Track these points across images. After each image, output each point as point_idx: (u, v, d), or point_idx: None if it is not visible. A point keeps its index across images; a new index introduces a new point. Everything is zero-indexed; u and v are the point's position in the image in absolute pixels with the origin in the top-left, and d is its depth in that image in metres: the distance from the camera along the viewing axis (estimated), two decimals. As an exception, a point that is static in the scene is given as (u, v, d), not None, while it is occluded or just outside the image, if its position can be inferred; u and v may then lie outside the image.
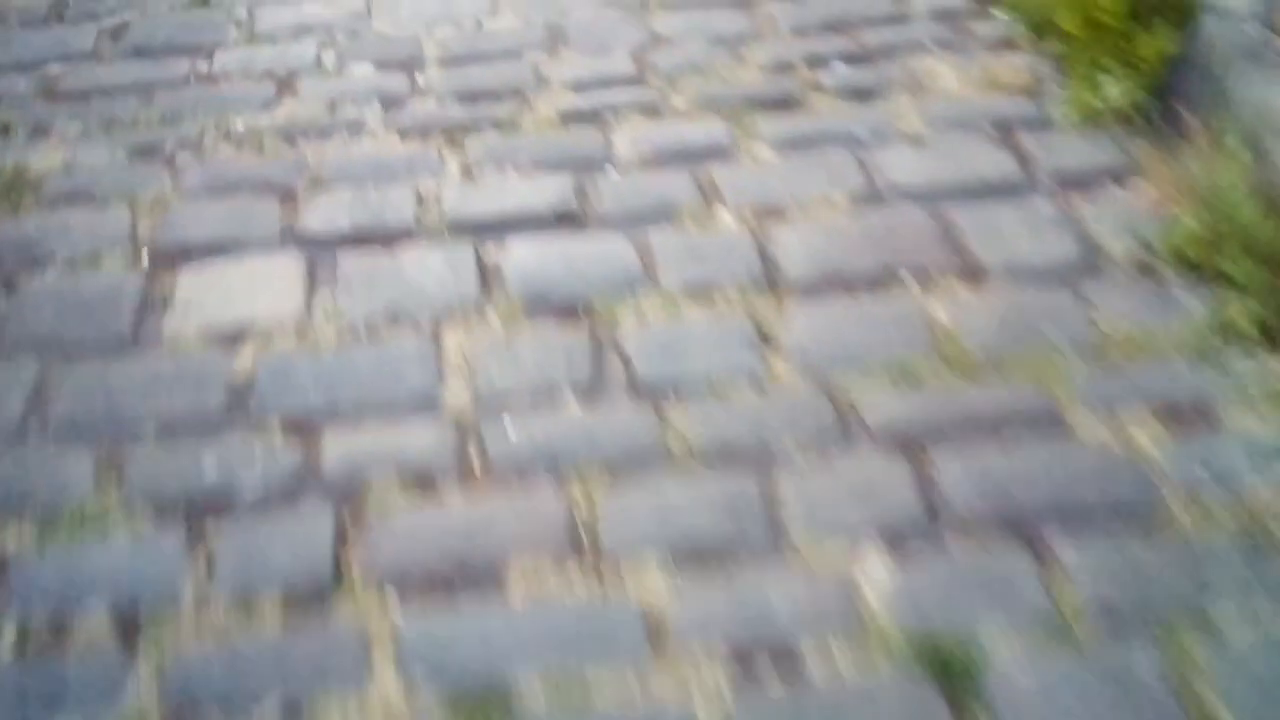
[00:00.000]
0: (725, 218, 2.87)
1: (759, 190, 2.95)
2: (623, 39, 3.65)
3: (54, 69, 3.71)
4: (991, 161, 2.99)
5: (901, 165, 3.00)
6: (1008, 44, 3.45)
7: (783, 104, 3.28)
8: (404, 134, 3.29)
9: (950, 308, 2.55)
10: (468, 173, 3.10)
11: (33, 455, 2.39)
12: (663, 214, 2.89)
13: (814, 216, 2.85)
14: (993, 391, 2.36)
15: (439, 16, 3.87)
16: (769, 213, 2.87)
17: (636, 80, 3.44)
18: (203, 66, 3.66)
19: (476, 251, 2.81)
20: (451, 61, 3.61)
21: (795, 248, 2.75)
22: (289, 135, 3.30)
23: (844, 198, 2.90)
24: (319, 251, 2.84)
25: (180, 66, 3.67)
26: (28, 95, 3.58)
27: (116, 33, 3.90)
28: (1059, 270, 2.64)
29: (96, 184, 3.15)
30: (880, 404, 2.34)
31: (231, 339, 2.60)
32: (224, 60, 3.68)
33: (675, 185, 3.00)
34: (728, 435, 2.30)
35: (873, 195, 2.91)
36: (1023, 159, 2.98)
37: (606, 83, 3.44)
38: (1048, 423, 2.29)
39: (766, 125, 3.20)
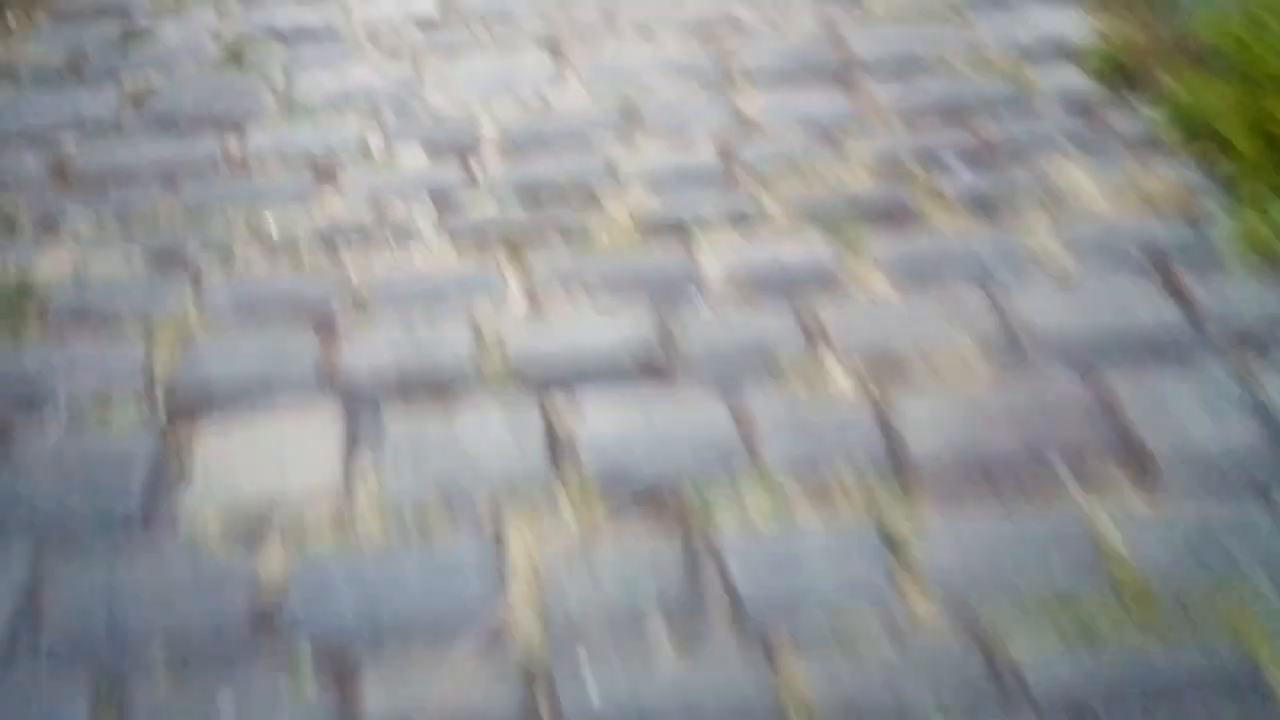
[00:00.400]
0: (836, 372, 2.44)
1: (874, 336, 2.52)
2: (705, 122, 3.21)
3: (68, 142, 3.30)
4: (1150, 307, 2.54)
5: (1043, 308, 2.56)
6: (1154, 145, 2.99)
7: (895, 216, 2.83)
8: (459, 242, 2.86)
9: (1118, 518, 2.12)
10: (532, 298, 2.67)
11: (20, 686, 1.98)
12: (761, 363, 2.46)
13: (943, 376, 2.41)
14: (1179, 645, 1.92)
15: (497, 86, 3.43)
16: (888, 368, 2.43)
17: (723, 178, 3.00)
18: (233, 145, 3.23)
19: (544, 411, 2.39)
20: (512, 147, 3.17)
21: (923, 421, 2.31)
22: (328, 240, 2.88)
23: (977, 351, 2.46)
24: (361, 404, 2.43)
25: (208, 144, 3.25)
26: (37, 178, 3.17)
27: (139, 98, 3.48)
28: (1244, 466, 2.20)
29: (110, 301, 2.74)
30: (1043, 659, 1.91)
31: (257, 527, 2.19)
32: (257, 138, 3.25)
33: (774, 324, 2.57)
34: (858, 698, 1.87)
35: (1012, 348, 2.47)
36: (1187, 305, 2.54)
37: (688, 180, 3.00)
38: (1249, 692, 1.86)
39: (878, 244, 2.75)
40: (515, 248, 2.84)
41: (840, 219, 2.84)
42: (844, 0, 3.76)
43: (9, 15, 3.96)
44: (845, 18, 3.65)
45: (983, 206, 2.85)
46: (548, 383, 2.46)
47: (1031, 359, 2.46)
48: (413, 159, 3.16)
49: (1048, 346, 2.47)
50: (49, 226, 2.99)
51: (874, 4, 3.72)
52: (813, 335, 2.54)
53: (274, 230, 2.94)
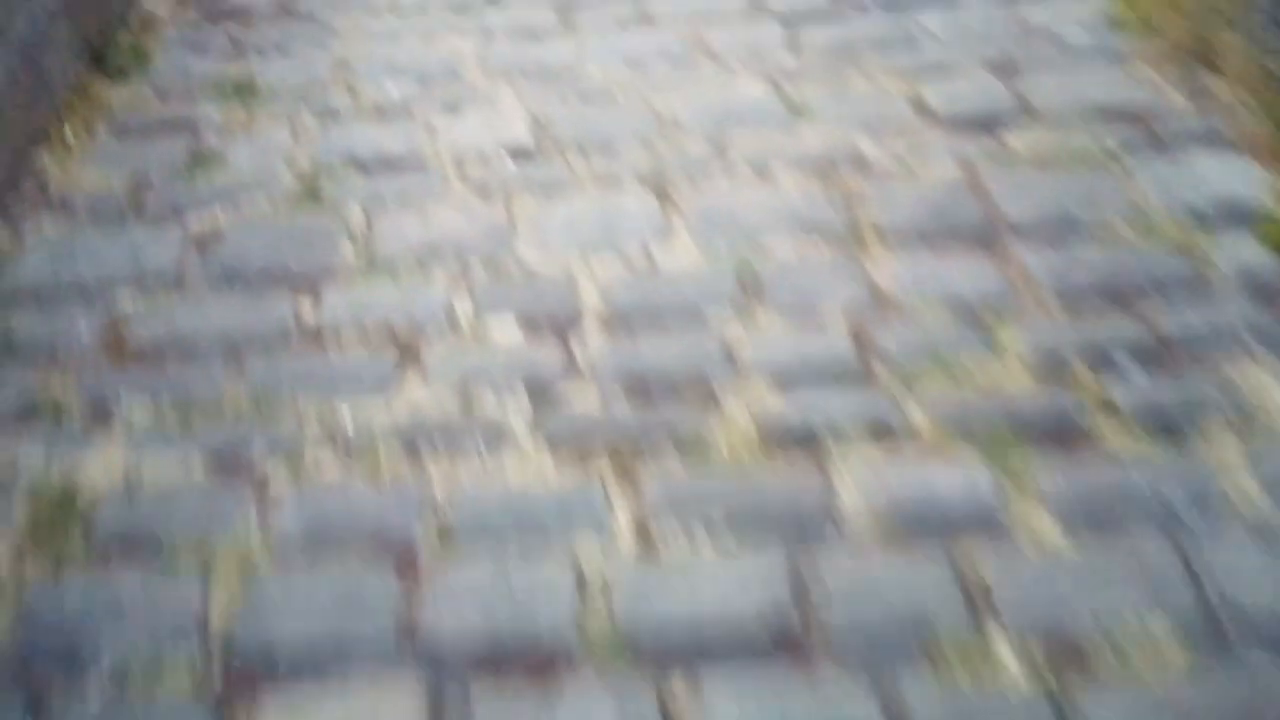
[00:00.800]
0: (1004, 654, 2.08)
1: (1047, 605, 2.15)
2: (835, 296, 2.83)
3: (125, 300, 2.99)
4: (1374, 579, 2.12)
5: (1242, 571, 2.19)
6: (1359, 348, 2.57)
7: (1062, 435, 2.46)
8: (558, 450, 2.52)
9: None
10: (643, 532, 2.33)
11: None
12: (916, 638, 2.12)
13: (1131, 666, 2.06)
14: None
15: (598, 238, 3.08)
16: (1067, 655, 2.07)
17: (859, 373, 2.63)
18: (307, 310, 2.90)
19: (660, 699, 2.04)
20: (617, 320, 2.81)
21: (1114, 735, 1.91)
22: (410, 443, 2.54)
23: (1170, 628, 2.10)
24: (446, 681, 2.12)
25: (279, 308, 2.92)
26: (89, 348, 2.86)
27: (204, 242, 3.15)
28: None
29: (164, 520, 2.43)
30: None
31: None
32: (333, 303, 2.92)
33: (929, 580, 2.21)
34: None
35: (1210, 628, 2.10)
36: None
37: (819, 374, 2.63)
38: None
39: (1044, 472, 2.38)
40: (622, 460, 2.48)
41: (998, 436, 2.46)
42: (981, 134, 3.35)
43: (68, 129, 3.65)
44: (984, 158, 3.25)
45: (1162, 424, 2.46)
46: (664, 659, 2.11)
47: (1234, 643, 2.09)
48: (505, 334, 2.81)
49: (1251, 627, 2.11)
50: (100, 414, 2.67)
51: (1015, 141, 3.32)
52: (974, 599, 2.17)
53: (350, 426, 2.60)
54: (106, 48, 4.03)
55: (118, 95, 3.90)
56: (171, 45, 4.23)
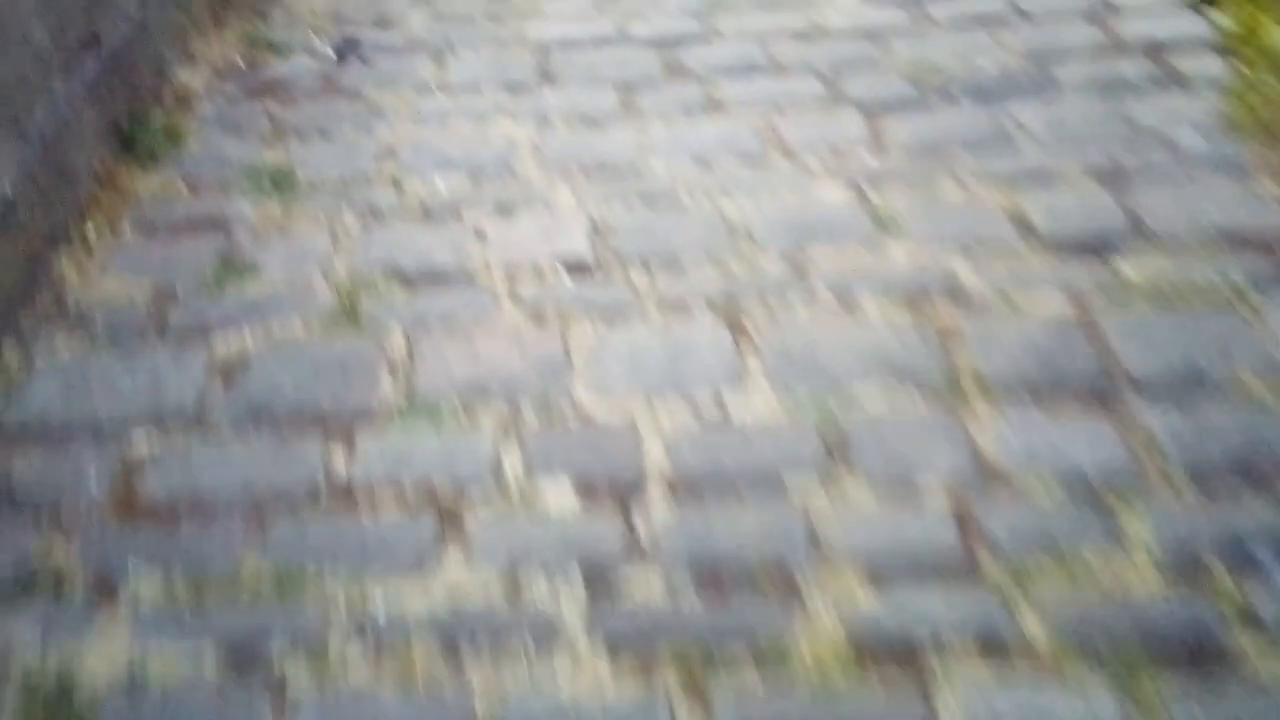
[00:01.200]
0: None
1: None
2: (933, 463, 2.50)
3: (139, 442, 2.70)
4: None
5: None
6: None
7: (1197, 654, 2.13)
8: (616, 653, 2.21)
9: None
10: (717, 771, 1.97)
11: None
12: None
13: None
14: None
15: (663, 379, 2.76)
16: None
17: (963, 566, 2.30)
18: (339, 462, 2.60)
19: None
20: (685, 488, 2.49)
21: None
22: (449, 640, 2.25)
23: None
24: None
25: (309, 457, 2.63)
26: (97, 503, 2.56)
27: (230, 371, 2.86)
28: None
29: (168, 733, 2.08)
30: None
31: None
32: (368, 452, 2.62)
33: None
34: None
35: None
36: None
37: (917, 566, 2.30)
38: None
39: (1177, 702, 2.07)
40: (690, 669, 2.17)
41: (1125, 654, 2.13)
42: (1091, 260, 3.01)
43: (90, 226, 3.37)
44: (1097, 291, 2.91)
45: (1316, 645, 2.10)
46: None
47: None
48: (559, 499, 2.50)
49: None
50: (105, 588, 2.39)
51: (1130, 270, 2.98)
52: None
53: (381, 614, 2.29)
54: (137, 130, 3.75)
55: (146, 184, 3.63)
56: (207, 124, 3.95)
